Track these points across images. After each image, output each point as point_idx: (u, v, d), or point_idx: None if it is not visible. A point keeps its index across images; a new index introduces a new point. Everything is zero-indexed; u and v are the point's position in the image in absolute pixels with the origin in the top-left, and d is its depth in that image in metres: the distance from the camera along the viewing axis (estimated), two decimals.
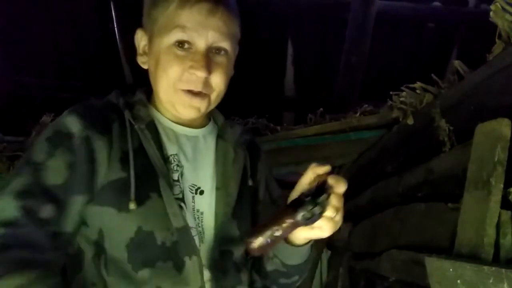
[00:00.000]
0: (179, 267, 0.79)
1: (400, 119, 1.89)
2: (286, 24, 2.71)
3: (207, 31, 0.82)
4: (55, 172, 0.74)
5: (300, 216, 0.72)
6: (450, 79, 1.51)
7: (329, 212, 0.75)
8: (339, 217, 0.78)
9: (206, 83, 0.84)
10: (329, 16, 2.64)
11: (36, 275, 0.66)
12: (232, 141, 0.96)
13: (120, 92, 0.90)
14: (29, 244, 0.68)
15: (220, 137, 0.95)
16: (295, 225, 0.72)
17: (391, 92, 1.91)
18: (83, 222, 0.79)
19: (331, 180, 0.75)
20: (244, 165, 0.95)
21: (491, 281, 0.86)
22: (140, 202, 0.78)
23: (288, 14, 2.66)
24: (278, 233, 0.71)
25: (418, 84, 1.70)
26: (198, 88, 0.83)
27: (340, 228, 0.83)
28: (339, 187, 0.76)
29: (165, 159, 0.84)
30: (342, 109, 2.46)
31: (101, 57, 2.83)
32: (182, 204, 0.83)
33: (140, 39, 0.91)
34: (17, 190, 0.71)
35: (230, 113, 2.44)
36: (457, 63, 1.44)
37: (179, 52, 0.82)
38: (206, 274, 0.82)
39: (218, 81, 0.85)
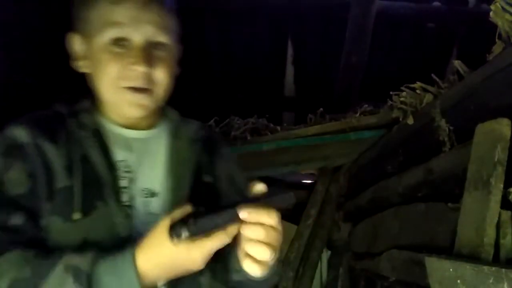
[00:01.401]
0: None
1: (400, 119, 1.89)
2: (286, 24, 2.71)
3: (143, 26, 0.79)
4: (17, 183, 0.75)
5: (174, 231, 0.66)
6: (450, 79, 1.51)
7: (246, 246, 0.70)
8: (263, 255, 0.69)
9: (149, 78, 0.81)
10: (329, 16, 2.64)
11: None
12: (186, 139, 0.92)
13: (65, 102, 0.89)
14: None
15: (174, 136, 0.92)
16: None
17: (391, 92, 1.91)
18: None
19: (245, 213, 0.67)
20: (198, 161, 0.91)
21: (491, 281, 0.85)
22: (86, 212, 0.75)
23: (288, 14, 2.66)
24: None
25: (418, 84, 1.71)
26: (140, 84, 0.80)
27: (340, 228, 0.80)
28: (256, 217, 0.68)
29: (111, 166, 0.81)
30: (342, 109, 2.46)
31: None
32: (131, 211, 0.80)
33: (74, 43, 0.87)
34: None
35: (230, 113, 2.45)
36: (457, 63, 1.44)
37: (116, 49, 0.79)
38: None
39: (161, 75, 0.82)
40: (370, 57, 2.54)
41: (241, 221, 0.68)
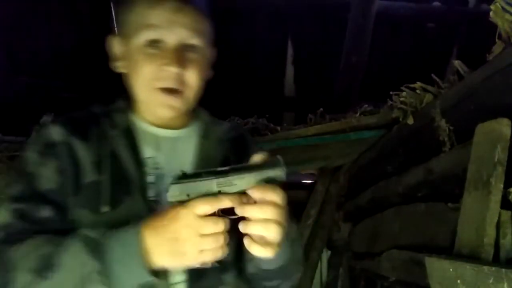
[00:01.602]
0: None
1: (400, 119, 1.89)
2: (286, 24, 2.71)
3: (176, 28, 0.83)
4: (48, 178, 0.81)
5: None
6: (450, 79, 1.51)
7: (252, 228, 0.70)
8: (271, 233, 0.70)
9: (180, 79, 0.84)
10: (329, 16, 2.64)
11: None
12: (215, 139, 0.95)
13: (101, 104, 0.94)
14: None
15: (203, 136, 0.95)
16: None
17: (391, 92, 1.91)
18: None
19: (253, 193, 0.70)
20: (226, 161, 0.91)
21: (491, 281, 0.85)
22: (113, 205, 0.80)
23: (288, 14, 2.66)
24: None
25: (418, 84, 1.71)
26: (172, 84, 0.84)
27: (340, 228, 0.79)
28: (262, 194, 0.70)
29: (139, 162, 0.84)
30: (342, 109, 2.46)
31: (101, 57, 2.83)
32: (157, 206, 0.82)
33: (113, 45, 0.92)
34: (13, 196, 0.79)
35: (230, 113, 2.45)
36: (457, 63, 1.44)
37: (151, 50, 0.83)
38: (181, 276, 0.81)
39: (192, 77, 0.85)
40: (370, 57, 2.54)
41: (231, 187, 0.70)
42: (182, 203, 0.70)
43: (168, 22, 0.83)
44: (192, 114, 0.97)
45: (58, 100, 2.91)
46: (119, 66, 0.91)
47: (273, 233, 0.70)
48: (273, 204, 0.70)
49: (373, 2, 2.36)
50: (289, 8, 2.59)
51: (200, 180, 0.72)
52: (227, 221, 0.71)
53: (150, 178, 0.85)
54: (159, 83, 0.84)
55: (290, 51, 2.84)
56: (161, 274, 0.74)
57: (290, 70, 2.94)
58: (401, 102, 1.84)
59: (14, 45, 2.74)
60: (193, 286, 0.82)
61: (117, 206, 0.80)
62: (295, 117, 3.06)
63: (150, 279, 0.71)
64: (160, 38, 0.83)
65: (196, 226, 0.68)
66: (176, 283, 0.81)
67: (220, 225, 0.70)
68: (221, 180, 0.71)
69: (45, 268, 0.71)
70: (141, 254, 0.70)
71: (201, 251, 0.70)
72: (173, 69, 0.82)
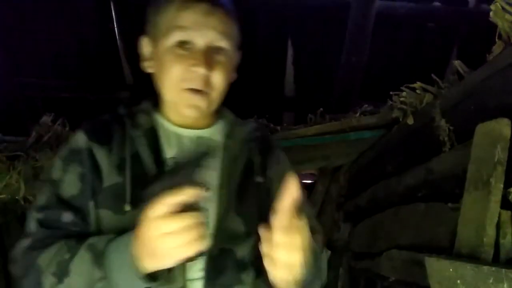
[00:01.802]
0: None
1: (400, 119, 1.89)
2: (286, 24, 2.71)
3: (206, 30, 0.85)
4: (70, 185, 0.84)
5: None
6: (450, 79, 1.51)
7: (276, 252, 0.70)
8: (294, 259, 0.71)
9: (207, 81, 0.85)
10: (329, 16, 2.64)
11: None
12: (240, 139, 0.96)
13: (129, 104, 0.96)
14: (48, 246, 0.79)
15: (227, 136, 0.96)
16: None
17: (391, 92, 1.91)
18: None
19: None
20: (249, 161, 0.94)
21: (491, 281, 0.86)
22: (135, 205, 0.81)
23: (288, 14, 2.66)
24: None
25: (418, 84, 1.71)
26: (199, 86, 0.85)
27: (340, 228, 0.79)
28: (288, 221, 0.69)
29: (160, 162, 0.86)
30: (342, 109, 2.46)
31: (101, 57, 2.83)
32: None
33: (144, 46, 0.94)
34: (39, 205, 0.84)
35: None
36: (457, 63, 1.44)
37: (180, 51, 0.85)
38: (199, 273, 0.82)
39: (218, 79, 0.87)
40: (370, 57, 2.54)
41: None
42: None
43: (198, 24, 0.84)
44: (216, 115, 0.98)
45: (58, 100, 2.91)
46: (148, 66, 0.93)
47: (296, 259, 0.71)
48: (299, 230, 0.70)
49: (373, 2, 2.36)
50: (289, 8, 2.59)
51: (163, 181, 0.76)
52: (194, 214, 0.68)
53: None
54: (186, 84, 0.85)
55: (290, 51, 2.84)
56: (163, 276, 0.74)
57: (290, 70, 2.94)
58: (401, 102, 1.84)
59: (14, 45, 2.74)
60: (210, 283, 0.82)
61: (139, 205, 0.79)
62: (295, 117, 3.06)
63: (147, 285, 0.72)
64: (189, 39, 0.84)
65: (155, 227, 0.68)
66: (193, 280, 0.82)
67: (182, 221, 0.67)
68: (177, 178, 0.76)
69: (62, 273, 0.76)
70: (133, 261, 0.71)
71: (174, 248, 0.68)
72: (200, 70, 0.84)
